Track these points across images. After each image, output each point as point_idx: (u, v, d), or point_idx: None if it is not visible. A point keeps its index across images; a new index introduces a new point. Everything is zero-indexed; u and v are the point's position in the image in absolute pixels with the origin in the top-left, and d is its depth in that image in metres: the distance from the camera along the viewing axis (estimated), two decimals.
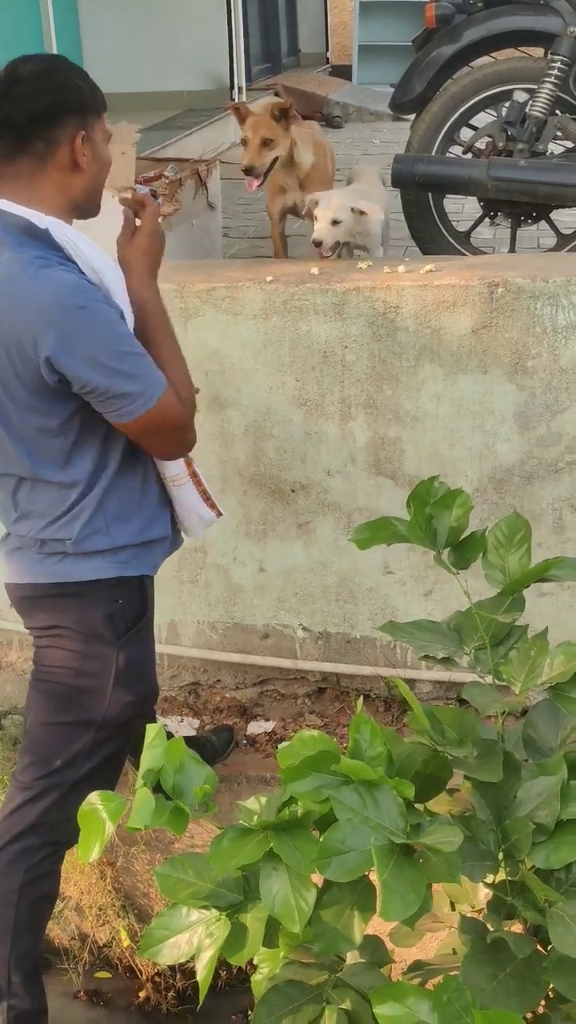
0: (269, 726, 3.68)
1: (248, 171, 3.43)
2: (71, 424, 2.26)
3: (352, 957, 1.72)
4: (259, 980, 1.71)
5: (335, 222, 3.32)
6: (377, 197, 3.58)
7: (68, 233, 2.22)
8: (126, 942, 3.59)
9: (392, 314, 3.13)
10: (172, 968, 3.49)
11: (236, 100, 6.11)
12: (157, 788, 1.52)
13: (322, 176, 3.68)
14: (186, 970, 3.50)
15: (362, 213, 3.34)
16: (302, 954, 1.68)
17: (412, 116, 4.04)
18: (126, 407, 2.19)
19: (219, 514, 2.65)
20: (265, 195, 3.79)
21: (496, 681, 1.75)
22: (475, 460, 3.26)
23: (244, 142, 3.46)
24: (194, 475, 2.55)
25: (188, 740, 3.36)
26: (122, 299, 2.26)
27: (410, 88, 3.91)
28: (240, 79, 7.78)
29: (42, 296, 2.11)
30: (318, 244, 3.33)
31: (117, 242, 2.35)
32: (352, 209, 3.33)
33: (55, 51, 6.27)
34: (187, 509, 2.56)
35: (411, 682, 3.55)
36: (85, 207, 2.30)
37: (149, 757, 1.51)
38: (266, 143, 3.43)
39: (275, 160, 3.49)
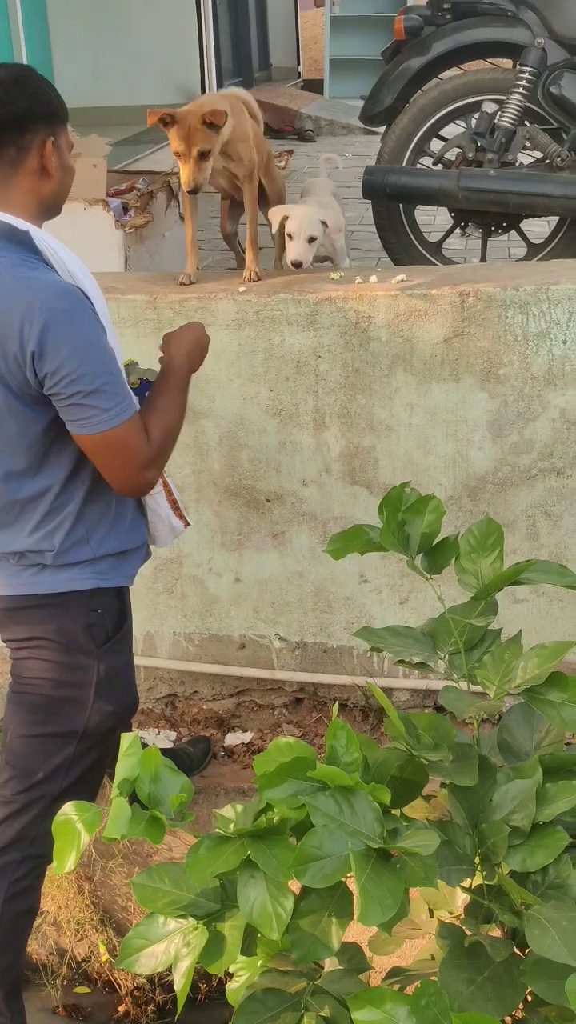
0: (247, 737, 3.68)
1: (193, 192, 3.07)
2: (49, 431, 2.26)
3: (330, 964, 1.72)
4: (235, 989, 1.71)
5: (311, 239, 3.23)
6: (333, 209, 3.50)
7: (46, 238, 2.27)
8: (105, 956, 3.56)
9: (365, 324, 3.15)
10: (151, 981, 3.47)
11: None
12: (134, 798, 1.52)
13: (242, 137, 3.22)
14: (165, 983, 3.48)
15: (324, 224, 3.27)
16: (280, 962, 1.68)
17: (383, 128, 4.06)
18: (90, 418, 2.19)
19: (187, 524, 2.66)
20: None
21: (471, 685, 1.75)
22: (449, 468, 3.27)
23: (178, 155, 3.00)
24: (165, 484, 2.56)
25: (165, 752, 3.35)
26: (100, 308, 2.29)
27: (380, 100, 3.93)
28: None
29: (29, 296, 2.13)
30: (298, 265, 3.21)
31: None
32: (322, 222, 3.28)
33: None
34: (159, 518, 2.57)
35: (388, 690, 3.55)
36: (52, 211, 2.35)
37: (124, 766, 1.50)
38: (203, 155, 3.00)
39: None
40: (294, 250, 3.22)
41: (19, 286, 2.15)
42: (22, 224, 2.23)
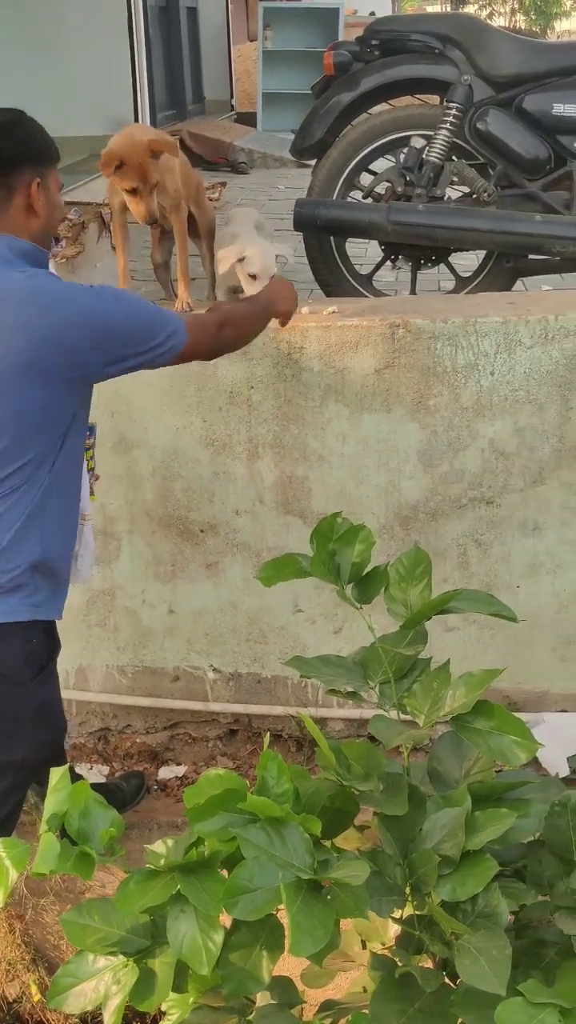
0: (180, 770, 3.65)
1: (152, 223, 3.19)
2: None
3: (262, 999, 1.71)
4: None
5: (272, 276, 3.18)
6: (264, 243, 3.48)
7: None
8: (36, 996, 3.50)
9: (297, 355, 3.17)
10: (84, 1021, 3.41)
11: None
12: (63, 833, 1.50)
13: (168, 168, 3.23)
14: (98, 1022, 3.42)
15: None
16: (212, 998, 1.66)
17: (314, 161, 4.10)
18: (166, 347, 2.40)
19: None
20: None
21: (401, 714, 1.76)
22: (381, 497, 3.30)
23: (134, 191, 3.04)
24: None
25: (97, 787, 3.30)
26: None
27: (310, 134, 3.97)
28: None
29: (76, 296, 2.33)
30: None
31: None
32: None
33: None
34: (87, 547, 2.60)
35: (322, 720, 3.55)
36: (41, 245, 2.48)
37: (53, 801, 1.48)
38: (154, 187, 3.07)
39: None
40: (257, 287, 3.16)
41: (64, 290, 2.34)
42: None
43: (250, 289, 3.18)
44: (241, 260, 3.20)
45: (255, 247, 3.23)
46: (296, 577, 1.82)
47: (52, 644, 2.57)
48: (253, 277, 3.20)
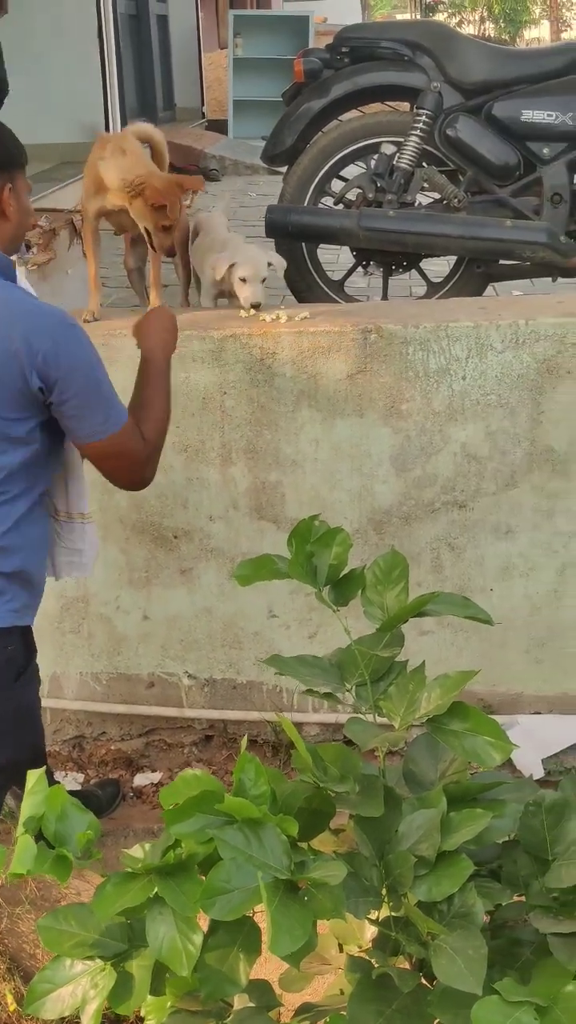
0: (156, 777, 3.64)
1: (172, 255, 3.31)
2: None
3: (240, 1002, 1.71)
4: None
5: (263, 280, 3.25)
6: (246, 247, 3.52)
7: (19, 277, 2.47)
8: (12, 1006, 3.48)
9: (270, 360, 3.17)
10: None
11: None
12: (40, 836, 1.50)
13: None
14: None
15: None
16: (189, 1002, 1.66)
17: (285, 168, 4.12)
18: (93, 427, 2.34)
19: None
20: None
21: (377, 717, 1.77)
22: (355, 502, 3.31)
23: (166, 229, 3.12)
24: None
25: (73, 794, 3.30)
26: None
27: (281, 141, 3.98)
28: (115, 132, 7.81)
29: (38, 312, 2.30)
30: (257, 306, 3.21)
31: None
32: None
33: None
34: (77, 549, 2.69)
35: (298, 725, 3.55)
36: (10, 251, 2.49)
37: (30, 804, 1.48)
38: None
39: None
40: (254, 293, 3.23)
41: (26, 303, 2.31)
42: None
43: (241, 293, 3.24)
44: (232, 266, 3.24)
45: (246, 253, 3.28)
46: (273, 578, 1.83)
47: (29, 649, 2.58)
48: (243, 281, 3.24)
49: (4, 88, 5.06)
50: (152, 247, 3.22)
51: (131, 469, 2.45)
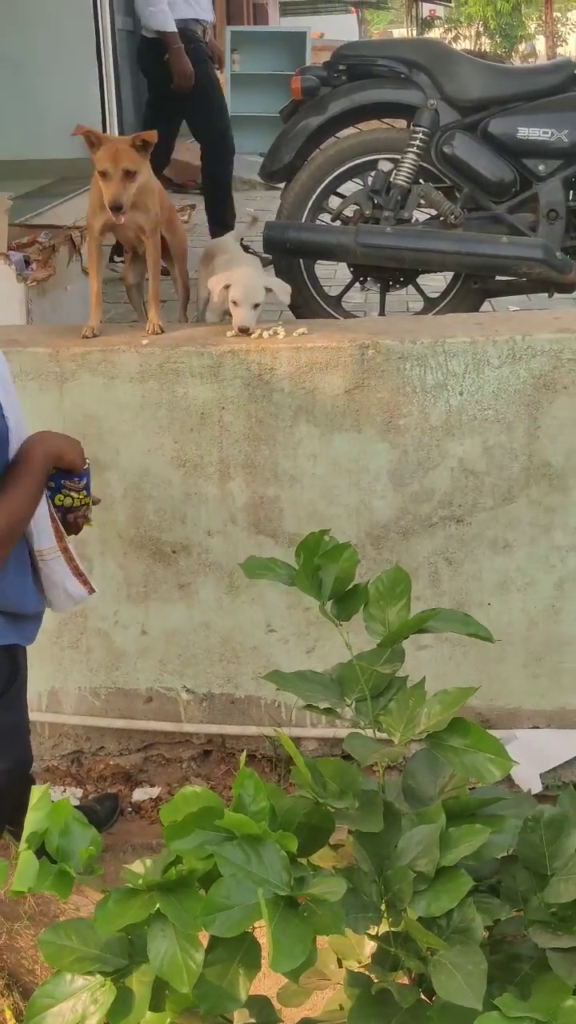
0: (154, 792, 3.64)
1: (116, 208, 3.08)
2: None
3: (239, 1018, 1.71)
4: None
5: (256, 305, 3.24)
6: (260, 272, 3.52)
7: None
8: (11, 1021, 3.47)
9: (268, 376, 3.19)
10: None
11: None
12: (41, 852, 1.50)
13: (151, 189, 3.32)
14: None
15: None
16: (189, 1018, 1.66)
17: (283, 184, 4.14)
18: None
19: (91, 591, 2.51)
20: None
21: (377, 732, 1.77)
22: (352, 517, 3.32)
23: (103, 175, 3.08)
24: (65, 550, 2.45)
25: None
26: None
27: (279, 158, 4.01)
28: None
29: None
30: (246, 330, 3.21)
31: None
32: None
33: None
34: (53, 583, 2.44)
35: (296, 740, 3.56)
36: None
37: (33, 820, 1.49)
38: (128, 175, 3.08)
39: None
40: (242, 317, 3.22)
41: None
42: None
43: (235, 314, 3.23)
44: (227, 287, 3.24)
45: (240, 273, 3.27)
46: (278, 580, 1.83)
47: (12, 669, 2.45)
48: (235, 303, 3.23)
49: None
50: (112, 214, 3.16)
51: None
